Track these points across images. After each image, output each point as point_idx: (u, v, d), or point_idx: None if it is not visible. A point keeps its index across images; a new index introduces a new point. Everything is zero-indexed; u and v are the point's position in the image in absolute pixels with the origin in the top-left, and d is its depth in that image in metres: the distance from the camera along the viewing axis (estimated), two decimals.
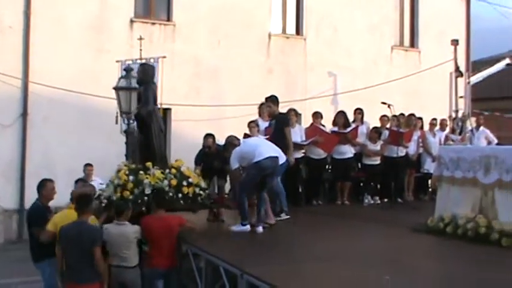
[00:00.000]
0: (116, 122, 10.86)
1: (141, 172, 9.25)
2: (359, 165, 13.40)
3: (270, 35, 17.89)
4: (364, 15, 19.10)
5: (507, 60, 28.48)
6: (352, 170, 13.13)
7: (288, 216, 10.51)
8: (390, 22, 19.90)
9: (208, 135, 10.97)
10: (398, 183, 13.32)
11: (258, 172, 9.28)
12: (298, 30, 18.61)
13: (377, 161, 13.18)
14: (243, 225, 9.36)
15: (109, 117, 11.32)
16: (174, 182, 9.30)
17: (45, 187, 8.61)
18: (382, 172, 13.18)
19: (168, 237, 8.32)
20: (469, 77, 20.90)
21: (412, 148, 13.61)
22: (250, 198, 9.58)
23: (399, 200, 13.14)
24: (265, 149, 9.36)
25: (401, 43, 20.38)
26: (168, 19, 16.74)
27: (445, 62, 18.78)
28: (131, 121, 10.11)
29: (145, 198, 8.99)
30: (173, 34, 16.56)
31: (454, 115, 16.84)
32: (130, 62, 12.28)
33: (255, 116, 12.23)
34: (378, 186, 13.55)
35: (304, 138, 12.29)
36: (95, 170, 12.48)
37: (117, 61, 13.20)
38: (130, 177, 9.13)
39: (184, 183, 9.38)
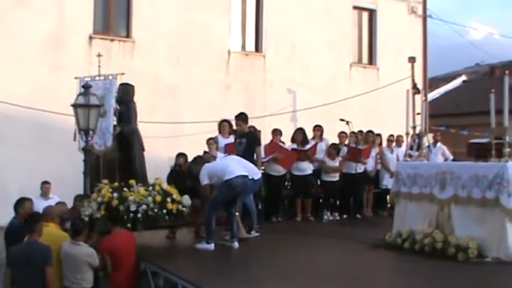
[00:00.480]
0: (74, 139, 10.73)
1: (125, 189, 9.24)
2: (318, 181, 13.48)
3: (229, 52, 17.91)
4: (323, 33, 19.25)
5: (463, 77, 29.09)
6: (312, 187, 13.20)
7: (258, 234, 10.55)
8: (349, 39, 20.09)
9: (181, 155, 11.02)
10: (357, 199, 13.44)
11: (228, 190, 9.33)
12: (258, 48, 18.66)
13: (336, 177, 13.28)
14: (208, 243, 9.34)
15: (67, 135, 11.17)
16: (158, 198, 9.32)
17: (22, 205, 8.78)
18: (341, 188, 13.29)
19: (130, 253, 8.27)
20: (426, 94, 21.19)
21: (370, 164, 13.74)
22: (222, 216, 9.59)
23: (358, 216, 13.24)
24: (235, 167, 9.40)
25: (360, 60, 20.59)
26: (128, 35, 16.63)
27: (403, 79, 19.01)
28: (89, 138, 10.03)
29: (131, 215, 8.98)
30: (132, 51, 16.45)
31: (411, 131, 17.03)
32: (88, 78, 12.14)
33: (214, 133, 12.21)
34: (337, 202, 13.64)
35: (263, 155, 12.30)
36: (52, 188, 12.30)
37: (75, 78, 13.04)
38: (115, 195, 9.10)
39: (168, 199, 9.40)
